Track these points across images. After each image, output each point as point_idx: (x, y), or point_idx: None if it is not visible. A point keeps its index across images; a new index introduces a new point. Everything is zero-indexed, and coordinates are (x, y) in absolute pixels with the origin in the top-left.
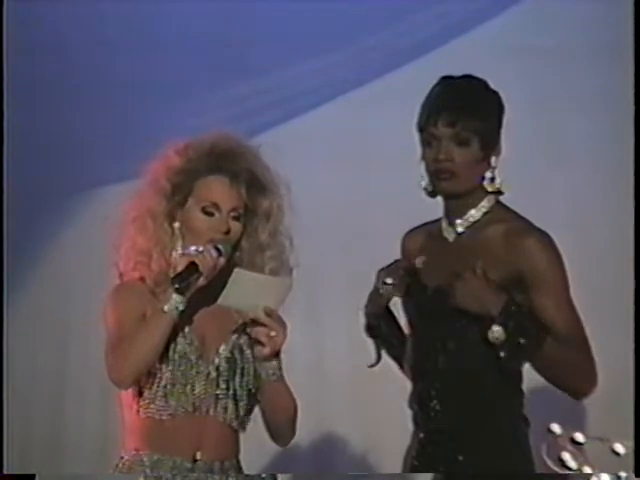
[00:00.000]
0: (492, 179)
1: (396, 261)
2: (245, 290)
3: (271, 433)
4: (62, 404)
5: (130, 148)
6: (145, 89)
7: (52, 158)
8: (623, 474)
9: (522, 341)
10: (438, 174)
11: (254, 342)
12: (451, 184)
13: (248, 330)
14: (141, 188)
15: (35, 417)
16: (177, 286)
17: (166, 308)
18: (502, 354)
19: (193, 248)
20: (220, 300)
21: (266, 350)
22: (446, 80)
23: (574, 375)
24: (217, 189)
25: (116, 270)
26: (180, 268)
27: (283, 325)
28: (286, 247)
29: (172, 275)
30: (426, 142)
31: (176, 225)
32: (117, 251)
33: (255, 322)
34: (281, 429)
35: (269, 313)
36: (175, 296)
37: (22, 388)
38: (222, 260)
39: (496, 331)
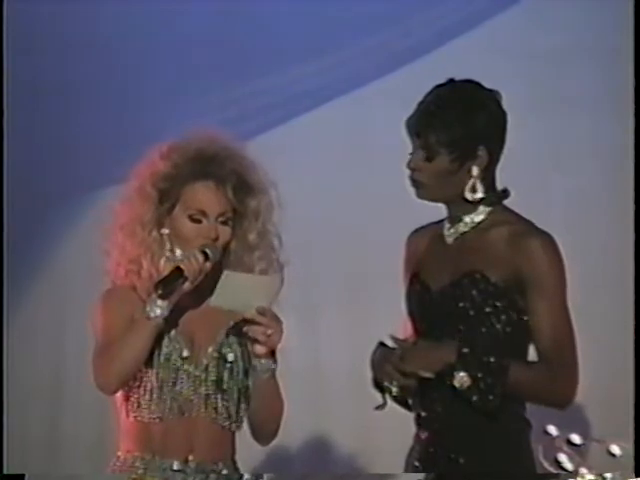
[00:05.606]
0: (473, 190)
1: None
2: (236, 290)
3: (254, 430)
4: (60, 405)
5: (130, 149)
6: (145, 90)
7: (53, 159)
8: (609, 475)
9: (489, 379)
10: (411, 182)
11: (252, 341)
12: (423, 192)
13: (245, 329)
14: (129, 193)
15: (34, 418)
16: (160, 292)
17: (151, 314)
18: (474, 398)
19: (179, 253)
20: (212, 301)
21: (264, 348)
22: (435, 88)
23: (548, 392)
24: (203, 196)
25: (108, 276)
26: (165, 273)
27: (279, 322)
28: (275, 246)
29: (157, 281)
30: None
31: (165, 232)
32: (108, 257)
33: (250, 321)
34: (265, 428)
35: (263, 312)
36: (159, 302)
37: (21, 389)
38: (208, 264)
39: (461, 377)
